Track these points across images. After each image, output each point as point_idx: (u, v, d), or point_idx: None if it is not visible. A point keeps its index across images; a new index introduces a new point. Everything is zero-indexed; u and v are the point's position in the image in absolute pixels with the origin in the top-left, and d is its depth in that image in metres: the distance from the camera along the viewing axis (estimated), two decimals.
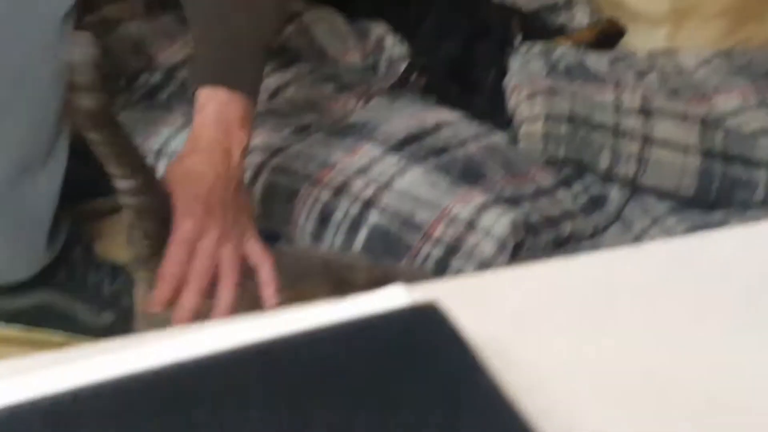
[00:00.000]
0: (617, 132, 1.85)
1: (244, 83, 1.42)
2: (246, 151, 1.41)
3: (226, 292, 1.32)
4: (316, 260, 1.33)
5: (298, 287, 1.28)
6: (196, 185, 1.35)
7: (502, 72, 2.05)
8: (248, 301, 1.31)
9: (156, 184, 1.33)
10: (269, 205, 1.76)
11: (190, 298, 1.32)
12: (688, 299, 0.84)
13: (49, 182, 1.66)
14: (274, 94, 2.04)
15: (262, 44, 1.49)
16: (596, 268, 0.88)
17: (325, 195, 1.72)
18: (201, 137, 1.39)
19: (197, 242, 1.33)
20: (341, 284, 1.32)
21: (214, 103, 1.39)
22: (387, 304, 0.76)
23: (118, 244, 1.89)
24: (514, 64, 2.06)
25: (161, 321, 1.29)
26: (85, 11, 2.16)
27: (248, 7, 1.47)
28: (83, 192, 1.92)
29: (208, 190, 1.35)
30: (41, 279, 1.70)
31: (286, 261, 1.34)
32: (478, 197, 1.73)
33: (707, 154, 1.84)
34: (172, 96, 2.06)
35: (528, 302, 0.83)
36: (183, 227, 1.33)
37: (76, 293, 1.76)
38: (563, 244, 1.83)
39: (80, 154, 1.95)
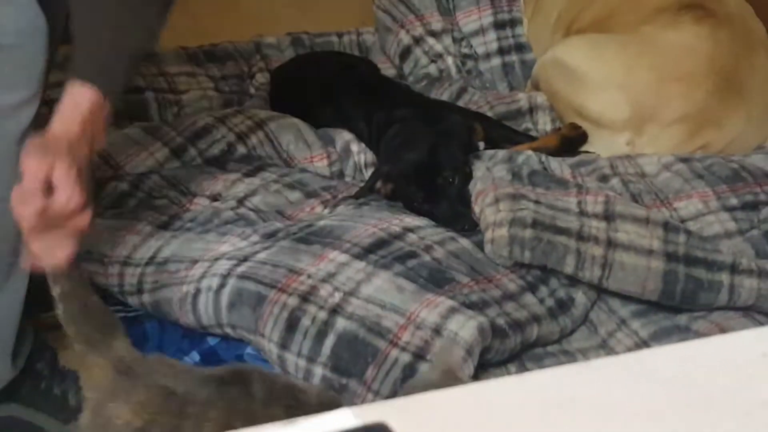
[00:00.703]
0: (581, 236, 1.86)
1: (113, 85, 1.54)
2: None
3: None
4: (271, 384, 1.32)
5: (253, 409, 1.28)
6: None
7: (467, 177, 2.07)
8: None
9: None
10: (236, 311, 1.75)
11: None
12: (636, 414, 0.85)
13: (10, 303, 1.66)
14: (241, 201, 2.05)
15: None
16: (548, 385, 0.89)
17: (293, 301, 1.72)
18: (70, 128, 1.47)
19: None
20: (293, 407, 1.32)
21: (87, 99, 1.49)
22: (336, 425, 0.78)
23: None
24: (479, 170, 2.08)
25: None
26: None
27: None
28: (48, 302, 1.91)
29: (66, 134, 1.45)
30: (5, 393, 1.69)
31: (254, 387, 1.33)
32: (444, 302, 1.73)
33: (670, 257, 1.85)
34: (140, 204, 2.06)
35: (479, 422, 0.84)
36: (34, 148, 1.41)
37: (42, 405, 1.75)
38: (530, 348, 1.84)
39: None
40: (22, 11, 1.46)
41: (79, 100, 1.47)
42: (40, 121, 2.13)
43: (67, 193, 1.39)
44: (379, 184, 2.07)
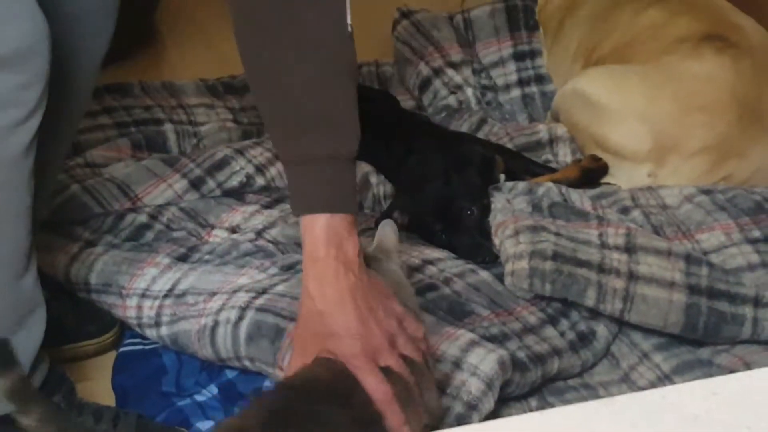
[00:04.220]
0: (602, 269, 1.85)
1: (343, 202, 1.44)
2: (360, 250, 1.44)
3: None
4: None
5: None
6: (339, 315, 1.38)
7: (486, 209, 2.06)
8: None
9: None
10: (255, 344, 1.75)
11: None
12: None
13: (30, 340, 1.65)
14: (260, 233, 2.04)
15: (350, 152, 1.46)
16: (572, 421, 0.88)
17: None
18: (317, 260, 1.41)
19: (379, 360, 1.36)
20: None
21: (319, 226, 1.41)
22: None
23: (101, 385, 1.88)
24: (498, 202, 2.07)
25: None
26: (71, 154, 2.19)
27: (330, 116, 1.44)
28: (67, 335, 1.91)
29: (352, 311, 1.38)
30: None
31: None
32: (464, 336, 1.72)
33: (693, 290, 1.84)
34: (158, 236, 2.06)
35: None
36: (356, 367, 1.35)
37: None
38: (551, 382, 1.82)
39: (64, 298, 1.96)
40: (22, 30, 1.45)
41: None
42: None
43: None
44: (396, 215, 2.06)
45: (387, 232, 1.53)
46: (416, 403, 1.40)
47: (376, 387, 1.34)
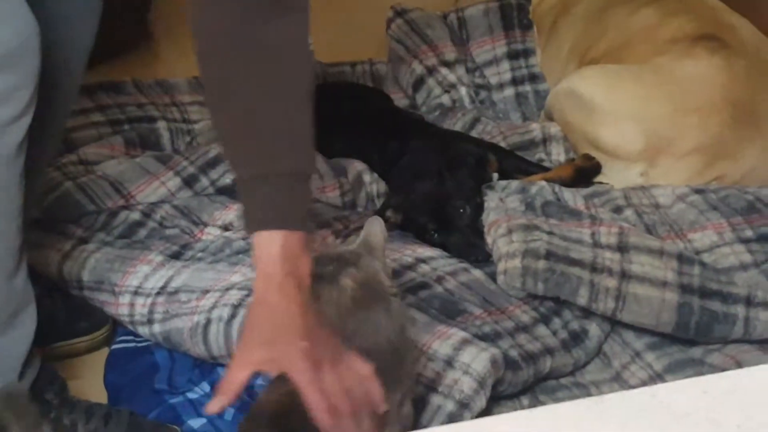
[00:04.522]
0: (595, 268, 1.85)
1: (298, 219, 1.43)
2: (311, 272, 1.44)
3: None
4: None
5: None
6: (289, 325, 1.37)
7: (479, 208, 2.06)
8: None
9: None
10: None
11: (350, 424, 1.35)
12: None
13: (20, 339, 1.65)
14: None
15: (306, 171, 1.48)
16: (562, 419, 0.88)
17: None
18: (272, 275, 1.40)
19: (319, 375, 1.34)
20: None
21: (275, 242, 1.40)
22: None
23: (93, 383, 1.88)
24: (491, 200, 2.07)
25: None
26: (63, 151, 2.19)
27: (288, 136, 1.45)
28: (59, 333, 1.91)
29: (301, 324, 1.36)
30: None
31: None
32: (456, 334, 1.72)
33: (685, 289, 1.84)
34: (151, 234, 2.06)
35: None
36: (302, 371, 1.34)
37: None
38: (543, 380, 1.82)
39: (56, 296, 1.96)
40: (14, 30, 1.45)
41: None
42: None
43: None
44: (389, 213, 2.07)
45: (374, 229, 1.52)
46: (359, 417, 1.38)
47: (314, 398, 1.33)
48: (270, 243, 1.40)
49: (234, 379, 1.33)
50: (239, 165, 1.46)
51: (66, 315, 1.93)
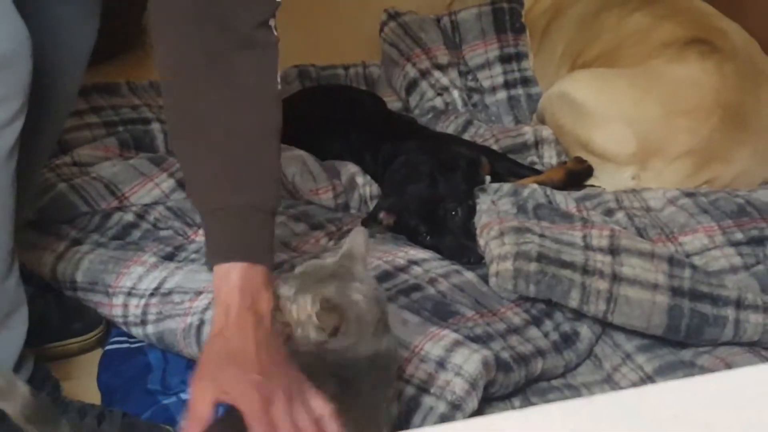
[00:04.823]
0: (586, 270, 1.86)
1: (261, 253, 1.43)
2: (273, 308, 1.43)
3: None
4: None
5: None
6: (242, 359, 1.36)
7: (471, 210, 2.07)
8: None
9: None
10: None
11: None
12: None
13: (12, 340, 1.65)
14: None
15: (270, 206, 1.48)
16: (552, 420, 0.89)
17: None
18: (231, 307, 1.40)
19: (270, 410, 1.33)
20: None
21: (236, 275, 1.40)
22: None
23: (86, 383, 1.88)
24: (484, 203, 2.08)
25: None
26: (58, 153, 2.19)
27: (253, 170, 1.46)
28: (52, 334, 1.91)
29: (255, 360, 1.36)
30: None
31: None
32: (448, 336, 1.73)
33: (676, 292, 1.85)
34: (145, 235, 2.07)
35: None
36: (250, 404, 1.33)
37: None
38: (535, 382, 1.83)
39: (49, 296, 1.96)
40: (4, 36, 1.45)
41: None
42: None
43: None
44: (382, 216, 2.07)
45: (357, 240, 1.50)
46: None
47: (258, 431, 1.32)
48: (229, 275, 1.40)
49: (197, 415, 1.33)
50: (202, 197, 1.47)
51: (59, 316, 1.94)
